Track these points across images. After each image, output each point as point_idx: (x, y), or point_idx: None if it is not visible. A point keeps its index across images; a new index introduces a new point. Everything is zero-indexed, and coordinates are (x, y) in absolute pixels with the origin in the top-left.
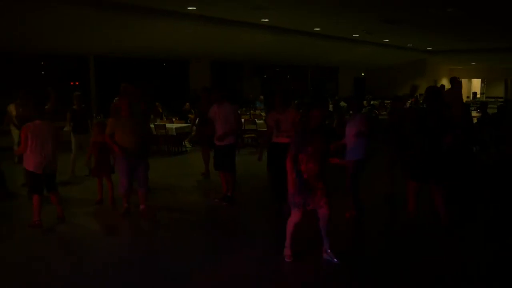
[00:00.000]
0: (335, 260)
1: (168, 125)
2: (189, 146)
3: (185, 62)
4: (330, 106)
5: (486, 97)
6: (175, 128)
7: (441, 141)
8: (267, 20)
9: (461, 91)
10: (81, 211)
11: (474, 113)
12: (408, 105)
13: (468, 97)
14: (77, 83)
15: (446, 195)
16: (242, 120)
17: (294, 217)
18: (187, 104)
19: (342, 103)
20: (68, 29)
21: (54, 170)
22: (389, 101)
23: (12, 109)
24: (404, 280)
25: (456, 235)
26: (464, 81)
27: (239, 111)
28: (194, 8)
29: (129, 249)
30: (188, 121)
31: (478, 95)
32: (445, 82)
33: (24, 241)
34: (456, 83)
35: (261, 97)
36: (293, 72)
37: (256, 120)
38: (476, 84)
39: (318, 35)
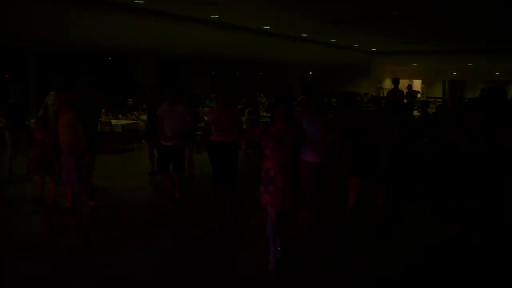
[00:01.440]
0: (271, 267)
1: (113, 122)
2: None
3: (132, 58)
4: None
5: (426, 97)
6: (121, 125)
7: (362, 142)
8: (217, 16)
9: (403, 92)
10: (20, 211)
11: (415, 112)
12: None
13: None
14: (12, 76)
15: (386, 192)
16: None
17: (270, 218)
18: (130, 100)
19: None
20: (5, 18)
21: None
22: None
23: None
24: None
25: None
26: (405, 82)
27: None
28: (142, 1)
29: (77, 252)
30: (134, 118)
31: (419, 95)
32: (388, 82)
33: None
34: (397, 84)
35: (213, 95)
36: (242, 70)
37: (205, 117)
38: (417, 85)
39: (267, 33)
